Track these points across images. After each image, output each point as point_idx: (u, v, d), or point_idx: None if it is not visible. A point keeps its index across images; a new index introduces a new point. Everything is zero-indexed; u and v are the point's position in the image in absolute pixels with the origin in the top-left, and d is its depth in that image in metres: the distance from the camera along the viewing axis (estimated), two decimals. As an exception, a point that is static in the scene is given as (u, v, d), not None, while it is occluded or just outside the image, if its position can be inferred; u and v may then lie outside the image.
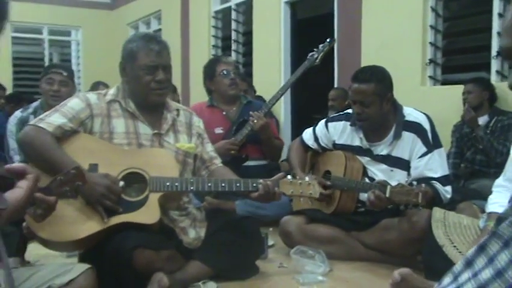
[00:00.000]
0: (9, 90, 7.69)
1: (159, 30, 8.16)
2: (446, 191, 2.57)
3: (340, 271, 2.56)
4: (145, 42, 2.28)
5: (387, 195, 2.34)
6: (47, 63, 9.54)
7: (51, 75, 3.23)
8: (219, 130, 3.63)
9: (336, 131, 2.88)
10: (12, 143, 3.21)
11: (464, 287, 0.85)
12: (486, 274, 0.81)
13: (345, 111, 2.91)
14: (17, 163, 3.13)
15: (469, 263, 0.87)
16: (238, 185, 2.26)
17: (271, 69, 5.80)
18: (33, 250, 2.53)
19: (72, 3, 9.52)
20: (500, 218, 0.88)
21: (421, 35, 4.30)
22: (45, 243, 2.16)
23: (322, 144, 2.95)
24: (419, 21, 4.30)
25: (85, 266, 1.86)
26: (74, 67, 10.06)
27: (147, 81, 2.27)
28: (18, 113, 3.29)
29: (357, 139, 2.80)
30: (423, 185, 2.32)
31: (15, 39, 9.47)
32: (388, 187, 2.35)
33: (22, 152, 2.60)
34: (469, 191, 3.47)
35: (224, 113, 3.70)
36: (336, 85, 5.09)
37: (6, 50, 9.24)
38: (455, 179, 3.77)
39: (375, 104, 2.64)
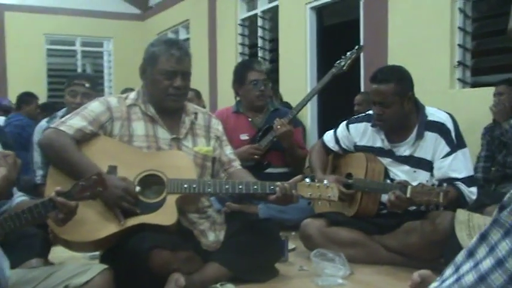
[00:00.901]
0: (45, 100, 7.92)
1: (188, 39, 8.26)
2: (471, 192, 2.49)
3: (361, 274, 2.52)
4: (167, 47, 2.30)
5: (408, 195, 2.30)
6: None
7: (74, 88, 3.28)
8: (244, 136, 3.63)
9: (357, 132, 2.84)
10: (36, 157, 3.28)
11: (465, 277, 0.82)
12: (487, 263, 0.78)
13: (366, 113, 2.87)
14: (39, 177, 3.22)
15: (470, 253, 0.84)
16: (255, 187, 2.25)
17: (297, 76, 5.78)
18: (58, 253, 2.57)
19: (104, 15, 9.75)
20: (502, 206, 0.84)
21: (449, 37, 4.21)
22: (67, 244, 2.20)
23: (344, 146, 2.92)
24: (447, 23, 4.22)
25: (102, 267, 1.88)
26: (105, 77, 10.31)
27: (165, 86, 2.29)
28: (43, 123, 3.36)
29: (378, 140, 2.76)
30: (445, 184, 2.27)
31: (50, 51, 9.75)
32: (409, 187, 2.31)
33: (43, 155, 2.66)
34: (500, 195, 3.36)
35: (250, 119, 3.69)
36: (362, 90, 5.04)
37: (42, 62, 9.53)
38: (486, 182, 3.66)
39: (396, 104, 2.59)
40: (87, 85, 3.32)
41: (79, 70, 9.89)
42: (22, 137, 4.39)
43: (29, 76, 8.73)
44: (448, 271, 0.86)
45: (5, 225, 1.56)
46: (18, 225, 1.62)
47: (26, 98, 6.16)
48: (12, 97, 7.22)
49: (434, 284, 0.86)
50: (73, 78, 3.49)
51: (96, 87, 3.47)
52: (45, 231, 2.33)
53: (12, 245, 2.10)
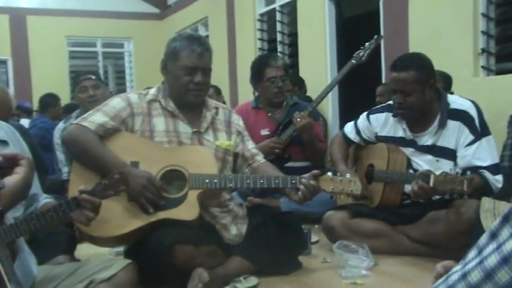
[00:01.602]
0: (67, 102, 8.04)
1: (207, 36, 8.29)
2: (497, 180, 2.45)
3: (385, 265, 2.50)
4: (188, 43, 2.31)
5: (431, 184, 2.26)
6: (101, 75, 9.90)
7: (83, 83, 3.37)
8: (265, 132, 3.62)
9: (378, 123, 2.81)
10: (59, 155, 3.34)
11: (488, 259, 0.80)
12: (510, 245, 0.76)
13: (387, 103, 2.84)
14: (65, 174, 3.28)
15: (493, 235, 0.82)
16: (277, 181, 2.25)
17: (318, 70, 5.75)
18: (84, 249, 2.62)
19: (123, 15, 9.85)
20: None
21: (472, 23, 4.13)
22: (93, 240, 2.24)
23: (365, 137, 2.89)
24: (469, 9, 4.13)
25: (126, 262, 1.90)
26: (127, 77, 10.42)
27: (185, 82, 2.30)
28: (61, 125, 3.42)
29: (400, 130, 2.73)
30: (468, 172, 2.23)
31: (71, 53, 9.91)
32: (432, 176, 2.27)
33: (66, 151, 2.71)
34: (527, 183, 3.30)
35: (269, 114, 3.69)
36: (383, 81, 4.99)
37: (64, 64, 9.68)
38: (513, 171, 3.59)
39: (417, 92, 2.55)
40: (93, 77, 3.40)
41: (101, 71, 10.01)
42: (46, 139, 4.46)
43: (51, 78, 8.87)
44: (471, 254, 0.85)
45: (30, 223, 1.59)
46: (44, 223, 1.64)
47: (50, 99, 6.25)
48: (35, 99, 7.34)
49: (458, 266, 0.84)
50: (77, 77, 3.56)
51: (101, 79, 3.55)
52: (71, 228, 2.37)
53: (40, 242, 2.14)
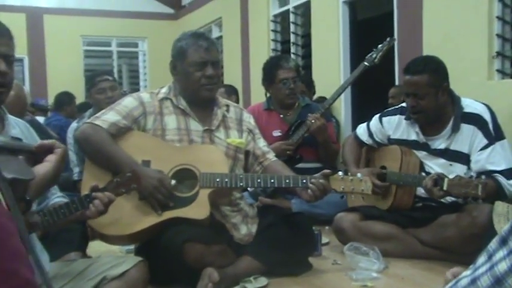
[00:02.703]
0: (82, 100, 8.11)
1: (220, 37, 8.31)
2: (511, 185, 2.42)
3: (396, 268, 2.48)
4: (194, 40, 2.33)
5: (445, 188, 2.24)
6: (116, 74, 9.96)
7: (100, 85, 3.39)
8: (276, 133, 3.63)
9: (390, 125, 2.80)
10: (71, 155, 3.37)
11: (499, 266, 0.80)
12: None
13: (400, 105, 2.83)
14: (76, 174, 3.31)
15: (503, 241, 0.82)
16: (287, 181, 2.25)
17: (331, 71, 5.74)
18: (95, 247, 2.64)
19: (138, 15, 9.91)
20: None
21: (487, 26, 4.09)
22: (104, 237, 2.26)
23: (377, 140, 2.88)
24: (484, 12, 4.10)
25: (137, 259, 1.92)
26: (141, 77, 10.47)
27: (197, 77, 2.32)
28: (74, 124, 3.45)
29: (412, 133, 2.71)
30: (483, 176, 2.21)
31: (86, 52, 9.98)
32: (446, 179, 2.25)
33: (80, 149, 2.73)
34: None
35: (281, 115, 3.69)
36: (396, 83, 4.96)
37: (79, 63, 9.76)
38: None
39: (430, 96, 2.54)
40: (110, 78, 3.43)
41: (115, 70, 10.08)
42: (61, 137, 4.50)
43: (67, 77, 8.94)
44: (481, 259, 0.85)
45: (43, 219, 1.61)
46: (56, 219, 1.66)
47: (66, 98, 6.31)
48: (51, 97, 7.41)
49: (467, 272, 0.84)
50: (93, 78, 3.56)
51: (115, 79, 3.59)
52: (84, 226, 2.39)
53: (52, 239, 2.17)
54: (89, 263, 1.88)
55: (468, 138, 2.54)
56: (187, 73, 2.34)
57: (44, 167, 1.27)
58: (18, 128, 1.81)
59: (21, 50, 8.95)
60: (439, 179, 2.31)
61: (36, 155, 1.31)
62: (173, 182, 2.20)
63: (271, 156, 2.51)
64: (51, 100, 7.10)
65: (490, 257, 0.83)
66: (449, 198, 2.51)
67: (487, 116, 2.53)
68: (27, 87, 8.82)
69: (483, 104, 2.61)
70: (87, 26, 9.65)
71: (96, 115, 2.33)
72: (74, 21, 9.51)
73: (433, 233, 2.57)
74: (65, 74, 9.07)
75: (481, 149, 2.50)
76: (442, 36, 4.39)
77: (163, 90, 2.42)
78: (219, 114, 2.42)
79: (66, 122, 5.52)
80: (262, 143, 2.54)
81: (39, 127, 3.89)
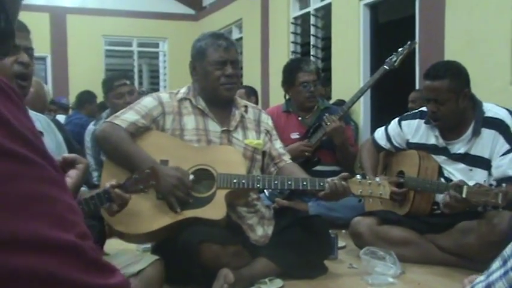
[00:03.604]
0: (102, 99, 8.19)
1: (241, 38, 8.33)
2: (533, 192, 2.38)
3: (413, 274, 2.46)
4: (213, 39, 2.35)
5: (464, 195, 2.21)
6: (136, 74, 10.06)
7: (119, 90, 3.39)
8: (295, 135, 3.63)
9: (409, 129, 2.77)
10: (89, 159, 3.38)
11: (514, 271, 0.79)
12: None
13: (420, 109, 2.80)
14: (95, 178, 3.34)
15: (519, 246, 0.81)
16: (305, 183, 2.25)
17: (350, 74, 5.71)
18: (113, 244, 2.66)
19: (159, 16, 9.99)
20: None
21: (510, 30, 4.02)
22: (122, 236, 2.28)
23: (395, 144, 2.85)
24: (508, 16, 4.04)
25: (154, 257, 1.94)
26: (161, 77, 10.55)
27: (216, 77, 2.33)
28: (91, 127, 3.47)
29: (432, 137, 2.68)
30: (504, 184, 2.17)
31: (107, 52, 10.09)
32: (465, 187, 2.22)
33: (99, 148, 2.75)
34: None
35: (300, 118, 3.69)
36: (417, 87, 4.92)
37: (100, 63, 9.86)
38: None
39: (451, 101, 2.51)
40: (128, 82, 3.43)
41: (135, 70, 10.17)
42: (81, 135, 4.55)
43: (88, 76, 9.02)
44: (495, 264, 0.84)
45: None
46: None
47: (87, 96, 6.38)
48: (72, 96, 7.50)
49: (481, 277, 0.83)
50: (111, 81, 3.54)
51: (133, 82, 3.58)
52: (101, 223, 2.42)
53: (70, 236, 2.19)
54: (106, 260, 1.90)
55: (489, 143, 2.50)
56: (206, 72, 2.35)
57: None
58: (39, 122, 1.84)
59: (44, 49, 9.08)
60: (457, 187, 2.28)
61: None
62: (192, 177, 2.21)
63: (287, 158, 2.52)
64: (72, 99, 7.18)
65: (504, 262, 0.82)
66: None
67: (509, 121, 2.49)
68: (49, 86, 8.98)
69: (505, 109, 2.57)
70: (109, 26, 9.75)
71: (116, 114, 2.35)
72: (96, 21, 9.63)
73: (452, 239, 2.54)
74: (86, 73, 9.17)
75: (502, 155, 2.46)
76: (464, 41, 4.34)
77: (183, 90, 2.44)
78: (237, 115, 2.43)
79: (87, 120, 5.57)
80: (278, 144, 2.54)
81: (60, 128, 3.93)
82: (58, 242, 0.50)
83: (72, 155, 1.41)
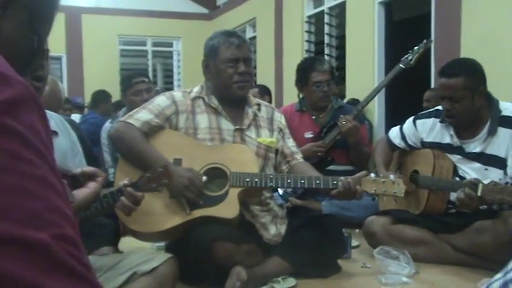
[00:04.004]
0: (117, 99, 8.26)
1: (254, 37, 8.33)
2: (549, 192, 2.34)
3: (427, 274, 2.44)
4: (225, 37, 2.36)
5: (479, 193, 2.19)
6: (150, 73, 10.11)
7: (137, 87, 3.43)
8: (308, 134, 3.62)
9: (424, 128, 2.75)
10: (106, 156, 3.41)
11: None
12: None
13: (435, 108, 2.78)
14: (111, 175, 3.37)
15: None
16: (318, 182, 2.24)
17: (365, 73, 5.68)
18: (127, 242, 2.68)
19: (173, 15, 10.02)
20: None
21: (527, 28, 3.98)
22: (135, 234, 2.29)
23: (410, 143, 2.83)
24: (524, 14, 3.99)
25: (167, 256, 1.95)
26: (175, 76, 10.59)
27: (229, 74, 2.34)
28: (107, 124, 3.50)
29: (447, 136, 2.65)
30: (519, 183, 2.15)
31: (122, 52, 10.16)
32: (480, 185, 2.20)
33: (113, 147, 2.78)
34: None
35: (313, 117, 3.68)
36: (432, 86, 4.87)
37: (115, 62, 9.93)
38: None
39: (466, 99, 2.48)
40: (146, 80, 3.46)
41: (150, 69, 10.22)
42: (96, 134, 4.59)
43: (103, 75, 9.11)
44: (512, 264, 0.83)
45: (77, 213, 1.65)
46: (89, 214, 1.70)
47: (102, 96, 6.43)
48: (87, 95, 7.57)
49: (498, 275, 0.82)
50: (129, 79, 3.57)
51: (150, 80, 3.62)
52: (116, 222, 2.44)
53: (85, 234, 2.20)
54: (120, 258, 1.91)
55: (505, 142, 2.47)
56: (219, 70, 2.35)
57: (83, 193, 1.32)
58: (53, 121, 1.86)
59: (59, 48, 9.17)
60: (472, 185, 2.26)
61: (77, 180, 1.37)
62: (204, 178, 2.21)
63: (299, 156, 2.51)
64: (87, 98, 7.24)
65: None
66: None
67: None
68: (64, 85, 9.05)
69: (522, 107, 2.54)
70: (124, 26, 9.81)
71: (130, 113, 2.37)
72: (110, 21, 9.70)
73: (467, 239, 2.51)
74: (101, 73, 9.25)
75: None
76: (480, 38, 4.29)
77: (196, 89, 2.45)
78: (250, 114, 2.43)
79: (102, 119, 5.61)
80: (291, 142, 2.54)
81: (75, 127, 3.97)
82: (21, 239, 0.48)
83: (92, 169, 1.44)
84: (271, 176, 2.28)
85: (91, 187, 1.36)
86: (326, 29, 6.52)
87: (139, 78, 3.50)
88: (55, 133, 1.85)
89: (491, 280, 0.85)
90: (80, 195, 1.32)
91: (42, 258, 0.49)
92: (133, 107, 3.34)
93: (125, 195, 1.78)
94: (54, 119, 1.89)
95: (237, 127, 2.38)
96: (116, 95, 7.49)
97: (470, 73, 2.50)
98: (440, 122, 2.67)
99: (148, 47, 10.35)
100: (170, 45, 10.62)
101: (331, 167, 3.48)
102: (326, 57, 6.35)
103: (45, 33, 0.61)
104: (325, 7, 6.57)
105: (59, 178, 0.56)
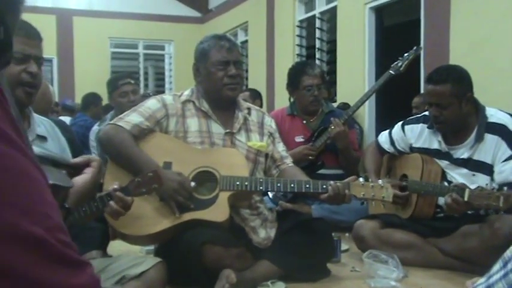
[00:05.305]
0: (107, 101, 8.23)
1: (246, 41, 8.35)
2: (535, 197, 2.37)
3: (415, 278, 2.46)
4: (216, 40, 2.37)
5: (466, 198, 2.22)
6: (142, 76, 10.10)
7: (123, 88, 3.44)
8: (299, 138, 3.63)
9: (413, 134, 2.77)
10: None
11: (514, 273, 0.79)
12: None
13: (423, 114, 2.80)
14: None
15: (519, 249, 0.81)
16: (307, 186, 2.25)
17: (355, 78, 5.72)
18: (117, 246, 2.67)
19: (165, 18, 10.02)
20: None
21: (515, 35, 4.03)
22: (124, 237, 2.29)
23: (399, 148, 2.85)
24: (512, 21, 4.04)
25: (156, 260, 1.95)
26: (166, 79, 10.58)
27: (220, 77, 2.35)
28: (96, 127, 3.50)
29: (435, 142, 2.68)
30: (505, 188, 2.17)
31: (114, 54, 10.13)
32: (467, 190, 2.23)
33: (102, 150, 2.77)
34: None
35: (304, 121, 3.70)
36: (421, 91, 4.91)
37: (106, 65, 9.90)
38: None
39: (453, 106, 2.51)
40: (132, 81, 3.47)
41: (141, 72, 10.21)
42: (86, 137, 4.57)
43: (94, 78, 9.06)
44: (496, 267, 0.85)
45: (77, 205, 1.64)
46: (78, 218, 1.69)
47: (93, 99, 6.41)
48: (78, 98, 7.53)
49: (482, 279, 0.84)
50: (116, 81, 3.59)
51: (137, 83, 3.62)
52: (105, 225, 2.43)
53: (74, 237, 2.19)
54: (109, 261, 1.91)
55: (492, 148, 2.50)
56: (210, 73, 2.36)
57: (82, 178, 1.32)
58: (43, 126, 1.85)
59: (50, 51, 9.12)
60: (459, 189, 2.28)
61: (74, 170, 1.37)
62: (193, 184, 2.22)
63: (289, 161, 2.52)
64: (78, 100, 7.21)
65: (505, 264, 0.83)
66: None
67: None
68: (55, 88, 9.01)
69: (509, 114, 2.57)
70: (115, 28, 9.79)
71: (120, 116, 2.37)
72: (102, 24, 9.67)
73: (455, 243, 2.54)
74: (92, 75, 9.21)
75: (504, 160, 2.45)
76: (469, 45, 4.34)
77: (186, 92, 2.46)
78: (240, 117, 2.44)
79: (92, 122, 5.59)
80: (281, 147, 2.55)
81: (65, 129, 3.96)
82: (22, 234, 0.49)
83: (86, 157, 1.43)
84: (261, 180, 2.29)
85: (88, 171, 1.37)
86: (317, 33, 6.55)
87: (125, 80, 3.51)
88: (44, 138, 1.84)
89: (475, 284, 0.87)
90: (79, 181, 1.32)
91: (40, 251, 0.51)
92: (120, 109, 3.35)
93: (115, 199, 1.78)
94: (44, 124, 1.88)
95: (227, 131, 2.39)
96: (106, 98, 7.48)
97: (457, 80, 2.52)
98: (428, 127, 2.70)
99: (140, 50, 10.34)
100: (162, 48, 10.61)
101: (322, 171, 3.49)
102: (317, 61, 6.39)
103: (12, 24, 0.61)
104: (316, 12, 6.60)
105: (35, 163, 0.56)
